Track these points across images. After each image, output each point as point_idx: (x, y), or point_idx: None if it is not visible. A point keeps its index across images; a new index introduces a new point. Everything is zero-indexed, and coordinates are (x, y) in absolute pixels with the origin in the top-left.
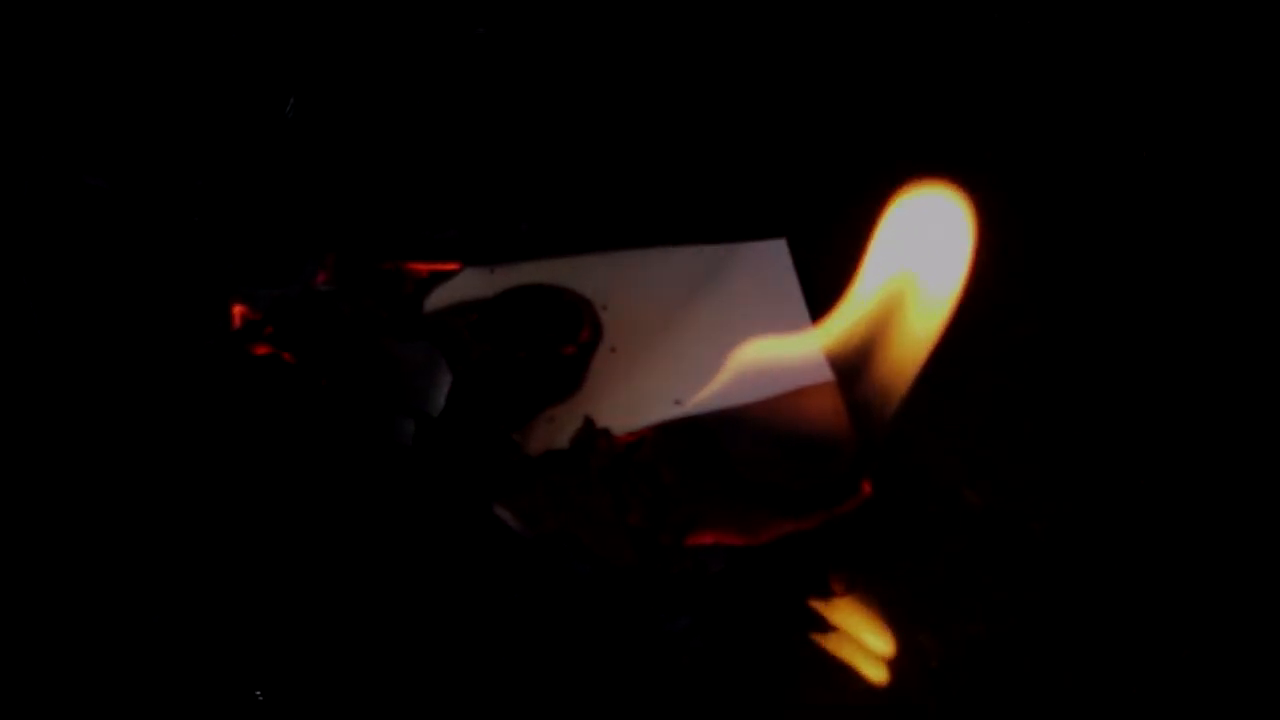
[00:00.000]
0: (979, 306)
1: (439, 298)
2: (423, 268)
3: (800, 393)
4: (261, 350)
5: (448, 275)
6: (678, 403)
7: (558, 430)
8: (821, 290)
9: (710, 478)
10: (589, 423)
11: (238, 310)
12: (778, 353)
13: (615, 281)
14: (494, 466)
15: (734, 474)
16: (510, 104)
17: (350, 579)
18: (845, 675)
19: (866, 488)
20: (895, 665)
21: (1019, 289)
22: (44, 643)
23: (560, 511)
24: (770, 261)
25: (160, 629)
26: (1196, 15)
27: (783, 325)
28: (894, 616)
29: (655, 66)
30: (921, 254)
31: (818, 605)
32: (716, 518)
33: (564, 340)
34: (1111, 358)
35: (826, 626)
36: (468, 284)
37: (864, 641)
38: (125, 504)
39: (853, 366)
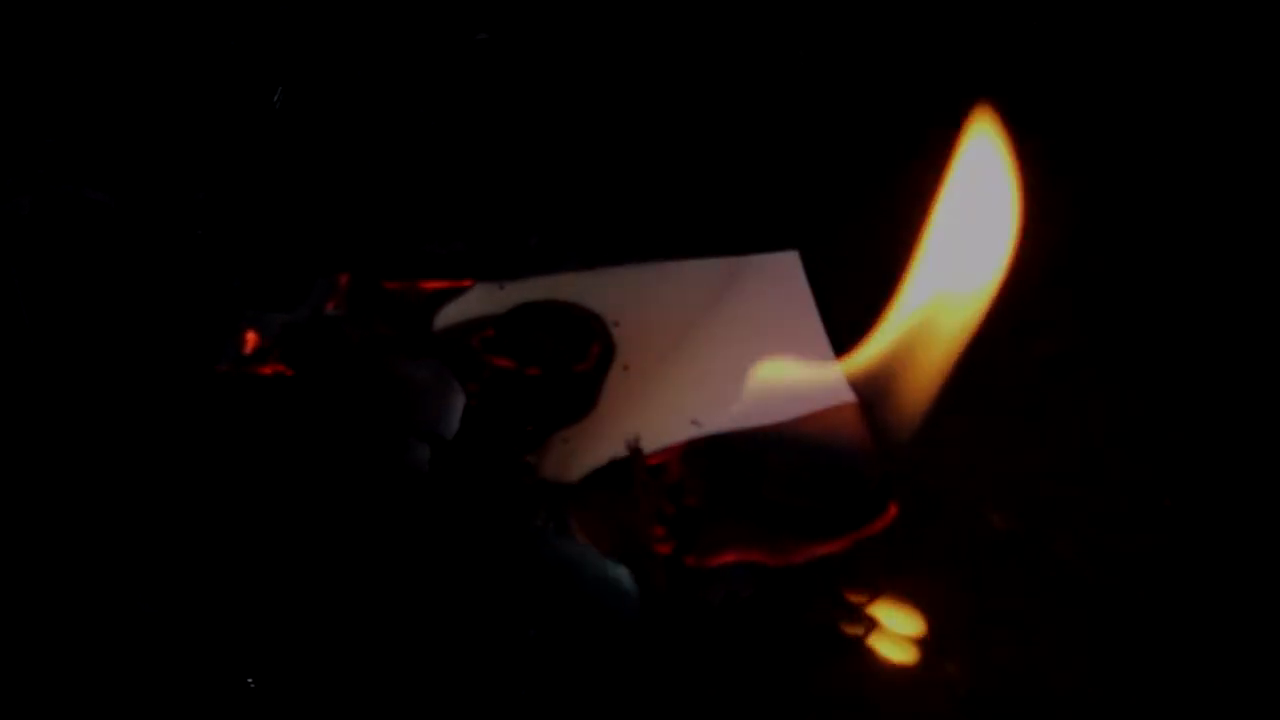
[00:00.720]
0: (1001, 326)
1: (449, 315)
2: (432, 285)
3: (822, 414)
4: (268, 370)
5: (457, 292)
6: (696, 424)
7: (572, 452)
8: (835, 303)
9: (736, 500)
10: (637, 444)
11: (249, 337)
12: (798, 373)
13: (626, 297)
14: (508, 490)
15: (760, 496)
16: (515, 113)
17: (359, 595)
18: (870, 702)
19: (893, 508)
20: (922, 695)
21: (1042, 305)
22: (37, 645)
23: (612, 531)
24: (783, 274)
25: (155, 634)
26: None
27: (797, 339)
28: (919, 644)
29: (664, 74)
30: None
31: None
32: (743, 540)
33: (575, 357)
34: (1135, 376)
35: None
36: (477, 300)
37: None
38: (122, 519)
39: (876, 391)
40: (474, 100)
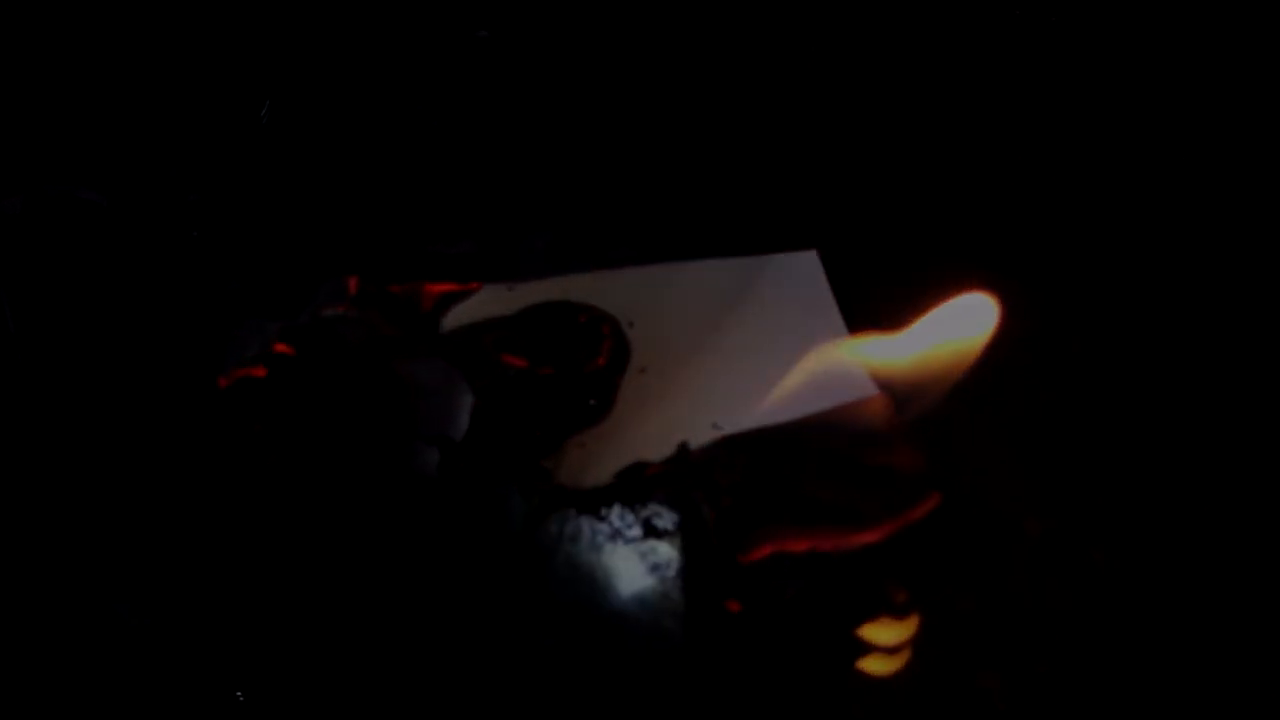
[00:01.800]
0: (1036, 333)
1: (457, 317)
2: (439, 288)
3: (848, 407)
4: (261, 373)
5: (465, 294)
6: (716, 426)
7: (589, 457)
8: (856, 303)
9: (776, 495)
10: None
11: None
12: (821, 368)
13: (641, 298)
14: (526, 495)
15: (801, 491)
16: (524, 111)
17: (367, 602)
18: (905, 713)
19: (935, 495)
20: (961, 710)
21: (1073, 319)
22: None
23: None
24: (802, 273)
25: (146, 643)
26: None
27: (818, 340)
28: (957, 657)
29: (677, 69)
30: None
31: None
32: (785, 535)
33: (589, 356)
34: (1169, 388)
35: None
36: (486, 302)
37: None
38: (114, 524)
39: (898, 386)
40: (481, 98)
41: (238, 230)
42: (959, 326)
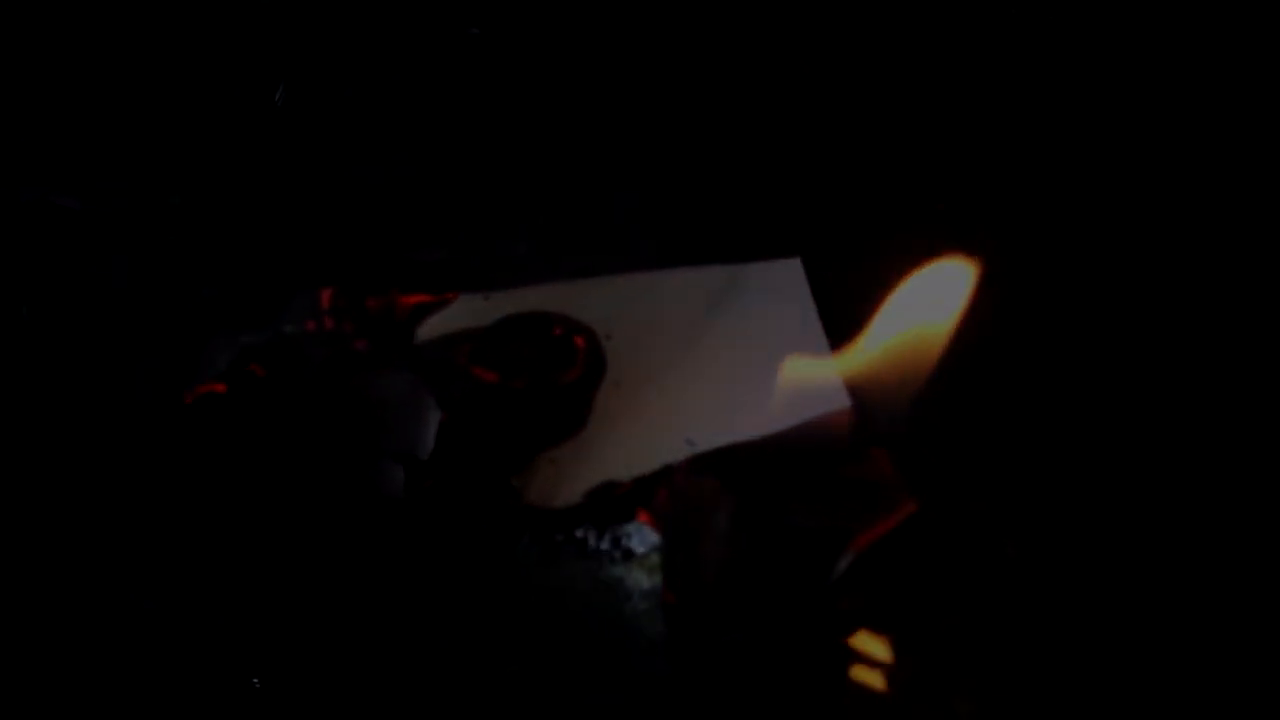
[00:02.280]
0: (1014, 358)
1: (431, 328)
2: (413, 299)
3: (819, 421)
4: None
5: (440, 305)
6: (690, 443)
7: (560, 474)
8: (839, 312)
9: (765, 530)
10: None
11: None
12: (796, 381)
13: (618, 308)
14: (493, 515)
15: (790, 524)
16: (505, 111)
17: (334, 626)
18: None
19: (909, 502)
20: None
21: (1052, 340)
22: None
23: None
24: (784, 282)
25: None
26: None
27: (798, 351)
28: (933, 682)
29: (661, 72)
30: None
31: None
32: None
33: (562, 369)
34: (1150, 410)
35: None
36: (461, 313)
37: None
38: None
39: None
40: (460, 99)
41: (217, 234)
42: (924, 309)
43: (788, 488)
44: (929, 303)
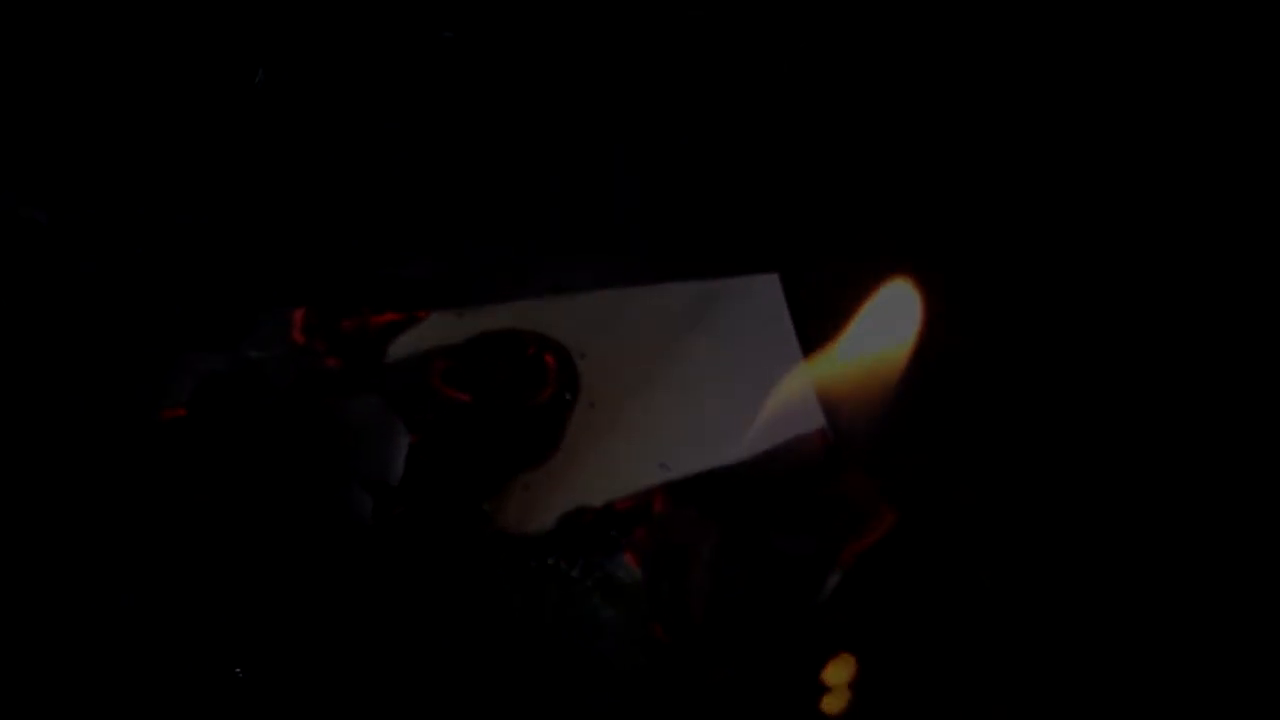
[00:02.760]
0: (986, 394)
1: (403, 347)
2: (384, 319)
3: (794, 441)
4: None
5: (412, 323)
6: (664, 467)
7: (534, 500)
8: (816, 329)
9: (748, 555)
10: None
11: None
12: (768, 400)
13: (594, 325)
14: (465, 542)
15: (773, 549)
16: (479, 119)
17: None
18: None
19: (889, 515)
20: None
21: (1023, 355)
22: None
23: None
24: (761, 298)
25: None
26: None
27: (775, 370)
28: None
29: (638, 81)
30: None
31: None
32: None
33: (535, 389)
34: (1125, 425)
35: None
36: (434, 330)
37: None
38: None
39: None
40: (432, 106)
41: (186, 248)
42: (887, 328)
43: (767, 512)
44: (896, 316)
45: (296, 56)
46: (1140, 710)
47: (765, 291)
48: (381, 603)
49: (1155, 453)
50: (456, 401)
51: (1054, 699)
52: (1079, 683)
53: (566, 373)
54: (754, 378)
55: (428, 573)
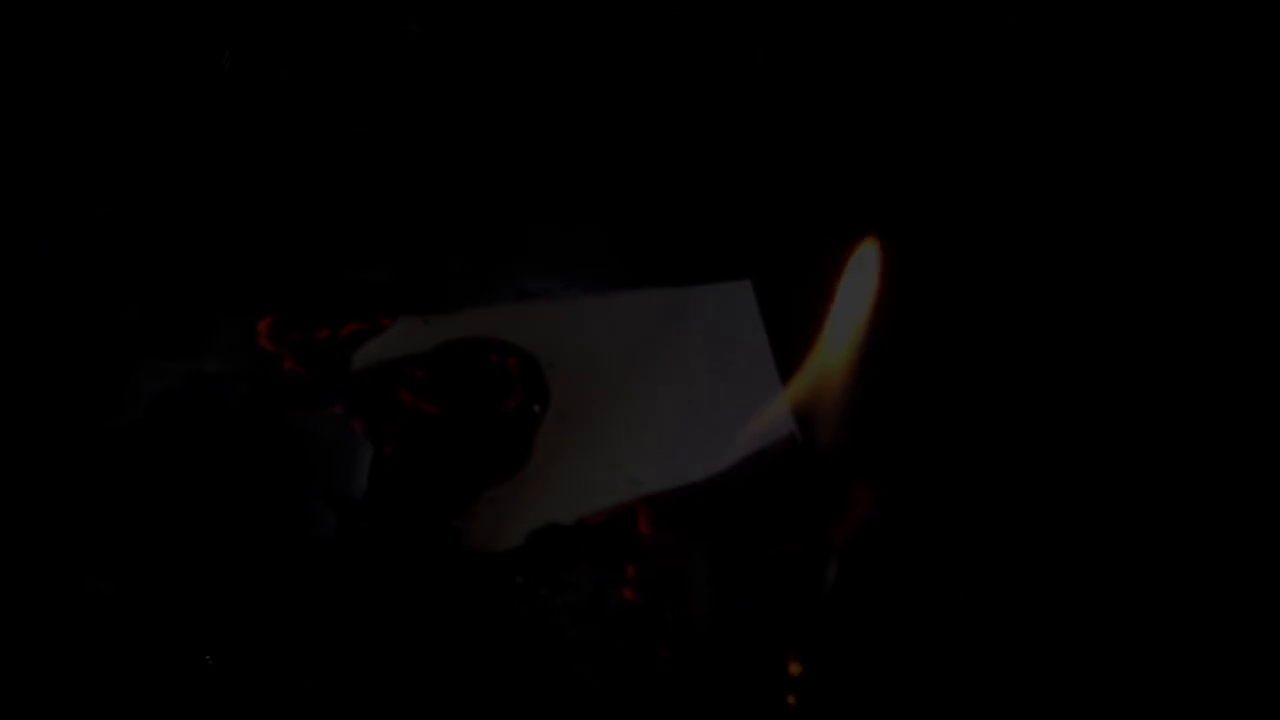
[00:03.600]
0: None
1: (369, 354)
2: (349, 328)
3: (767, 449)
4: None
5: (376, 331)
6: (636, 482)
7: (502, 515)
8: (788, 335)
9: (739, 559)
10: None
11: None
12: (741, 410)
13: (563, 334)
14: (431, 559)
15: (763, 553)
16: (446, 122)
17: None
18: None
19: (867, 497)
20: None
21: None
22: None
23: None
24: (734, 305)
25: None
26: None
27: (747, 378)
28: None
29: (613, 82)
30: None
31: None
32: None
33: (499, 398)
34: (1101, 456)
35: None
36: (399, 338)
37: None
38: None
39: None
40: (398, 108)
41: (146, 249)
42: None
43: (752, 521)
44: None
45: (262, 56)
46: (1136, 708)
47: (738, 298)
48: (345, 623)
49: (1137, 449)
50: (422, 413)
51: (1048, 697)
52: (1070, 678)
53: (534, 383)
54: (728, 387)
55: (393, 591)
